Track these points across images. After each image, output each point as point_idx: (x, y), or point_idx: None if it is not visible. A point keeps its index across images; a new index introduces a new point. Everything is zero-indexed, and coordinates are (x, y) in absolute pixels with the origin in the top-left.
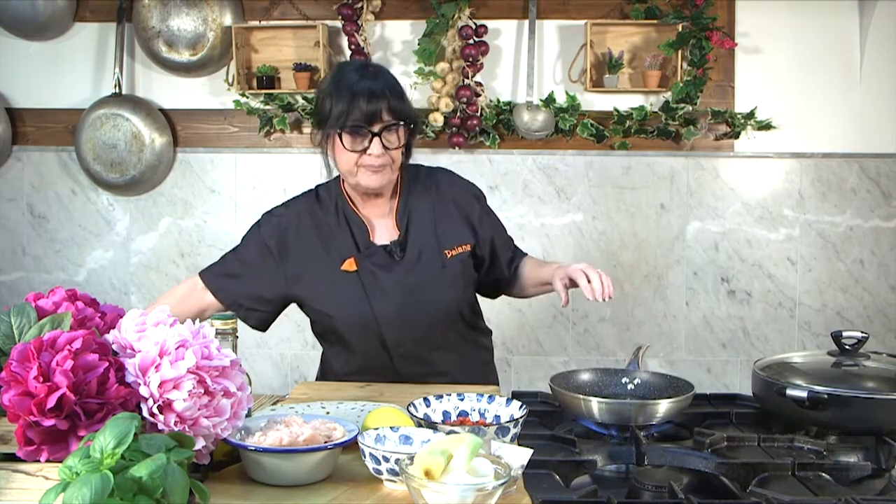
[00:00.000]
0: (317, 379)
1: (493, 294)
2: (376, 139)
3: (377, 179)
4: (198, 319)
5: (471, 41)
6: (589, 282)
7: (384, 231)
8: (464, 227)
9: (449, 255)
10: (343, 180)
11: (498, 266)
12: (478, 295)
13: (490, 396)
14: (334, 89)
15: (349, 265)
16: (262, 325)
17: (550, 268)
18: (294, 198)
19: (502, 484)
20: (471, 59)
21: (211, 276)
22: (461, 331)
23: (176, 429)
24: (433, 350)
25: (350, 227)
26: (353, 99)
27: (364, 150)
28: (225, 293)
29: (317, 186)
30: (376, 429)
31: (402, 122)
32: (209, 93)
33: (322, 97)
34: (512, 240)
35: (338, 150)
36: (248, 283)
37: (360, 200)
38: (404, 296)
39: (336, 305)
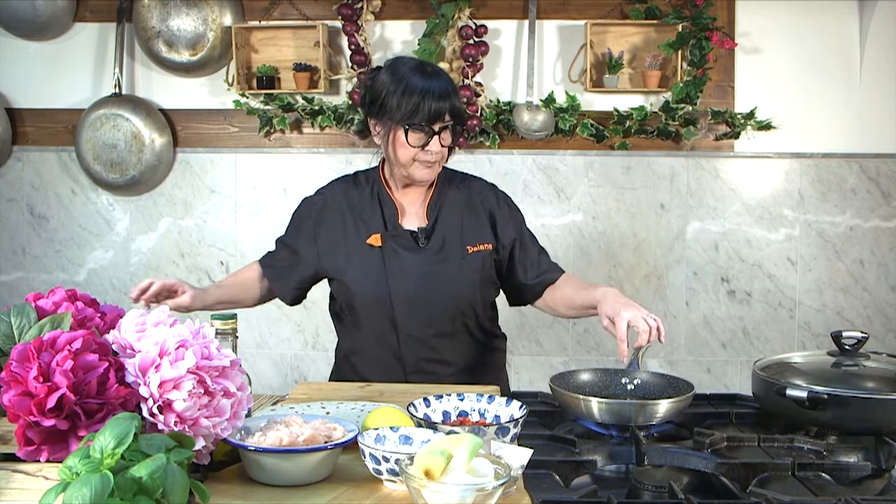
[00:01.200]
0: (332, 370)
1: (520, 302)
2: (436, 137)
3: (429, 174)
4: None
5: (471, 41)
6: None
7: (413, 218)
8: (487, 228)
9: (470, 251)
10: (382, 166)
11: (518, 273)
12: (506, 301)
13: (490, 396)
14: (398, 86)
15: (374, 240)
16: (298, 302)
17: (594, 293)
18: (332, 180)
19: (502, 484)
20: (471, 59)
21: (268, 267)
22: (471, 327)
23: (176, 429)
24: (440, 337)
25: (382, 207)
26: (422, 99)
27: (423, 146)
28: (281, 284)
29: (356, 172)
30: (376, 429)
31: (459, 125)
32: (209, 93)
33: (384, 92)
34: (545, 252)
35: (399, 144)
36: (295, 270)
37: (397, 187)
38: (421, 279)
39: (355, 277)
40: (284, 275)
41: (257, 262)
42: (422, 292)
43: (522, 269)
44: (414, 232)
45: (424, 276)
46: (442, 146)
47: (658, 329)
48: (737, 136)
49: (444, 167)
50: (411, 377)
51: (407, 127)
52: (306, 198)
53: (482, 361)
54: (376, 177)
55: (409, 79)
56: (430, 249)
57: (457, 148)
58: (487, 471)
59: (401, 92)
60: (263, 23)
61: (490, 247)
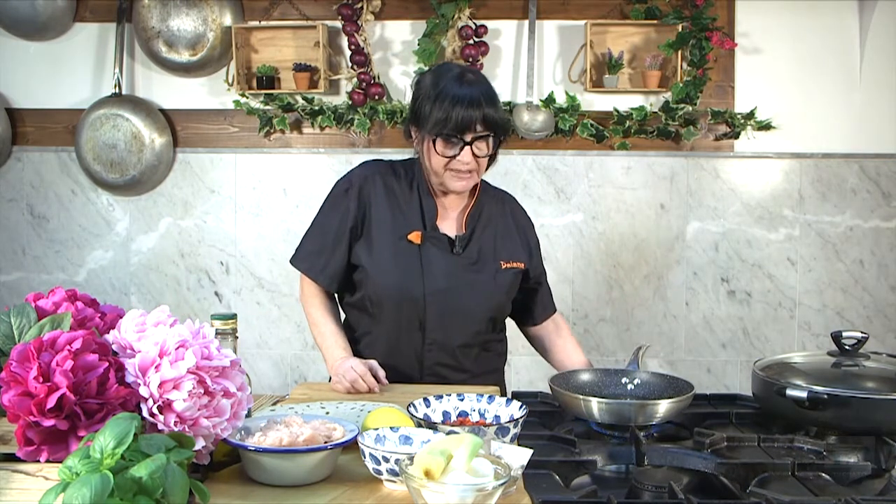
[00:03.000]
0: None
1: (514, 318)
2: (467, 148)
3: (463, 185)
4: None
5: (471, 41)
6: None
7: (451, 223)
8: (522, 249)
9: (503, 266)
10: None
11: (530, 298)
12: None
13: (490, 396)
14: (434, 93)
15: (415, 237)
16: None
17: (571, 355)
18: (366, 161)
19: (502, 484)
20: (471, 60)
21: (304, 265)
22: (488, 335)
23: (176, 429)
24: (463, 347)
25: (422, 203)
26: (452, 108)
27: (454, 157)
28: (328, 278)
29: (391, 161)
30: (376, 429)
31: (493, 135)
32: (209, 93)
33: (421, 98)
34: (548, 287)
35: (431, 153)
36: (336, 252)
37: (440, 191)
38: (456, 286)
39: (392, 272)
40: (327, 265)
41: (306, 279)
42: (456, 299)
43: (534, 297)
44: (451, 238)
45: (460, 283)
46: (476, 156)
47: None
48: (737, 136)
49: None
50: (425, 378)
51: (436, 137)
52: (340, 179)
53: (489, 367)
54: (417, 172)
55: (444, 86)
56: (466, 258)
57: (496, 158)
58: (487, 471)
59: (433, 99)
60: (263, 23)
61: (523, 266)
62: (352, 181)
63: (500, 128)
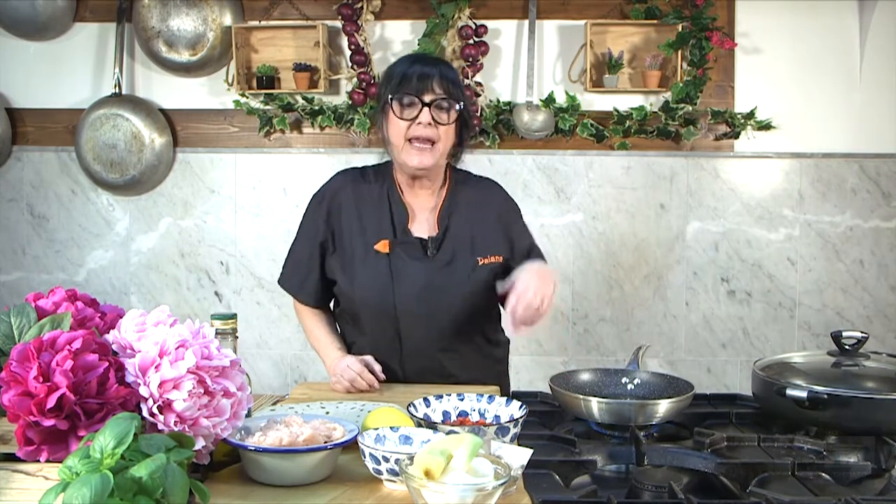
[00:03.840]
0: None
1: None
2: (426, 109)
3: (423, 158)
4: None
5: (471, 41)
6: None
7: (423, 224)
8: (501, 240)
9: (480, 263)
10: (395, 167)
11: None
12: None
13: (490, 396)
14: (392, 68)
15: (382, 246)
16: (326, 303)
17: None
18: (338, 172)
19: (502, 484)
20: (471, 59)
21: (287, 283)
22: (476, 341)
23: (176, 429)
24: (444, 351)
25: (391, 209)
26: (406, 71)
27: (414, 119)
28: (304, 294)
29: (364, 166)
30: (376, 429)
31: (452, 101)
32: (209, 93)
33: (383, 80)
34: (538, 249)
35: (390, 122)
36: (312, 271)
37: (408, 188)
38: (428, 291)
39: (360, 284)
40: (304, 281)
41: (295, 300)
42: (428, 307)
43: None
44: (424, 240)
45: (432, 288)
46: (436, 121)
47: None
48: (737, 136)
49: (455, 168)
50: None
51: (393, 98)
52: (314, 194)
53: (483, 373)
54: (387, 174)
55: (400, 63)
56: (440, 260)
57: (464, 146)
58: (487, 471)
59: (390, 74)
60: (263, 23)
61: (501, 259)
62: (322, 196)
63: (459, 96)
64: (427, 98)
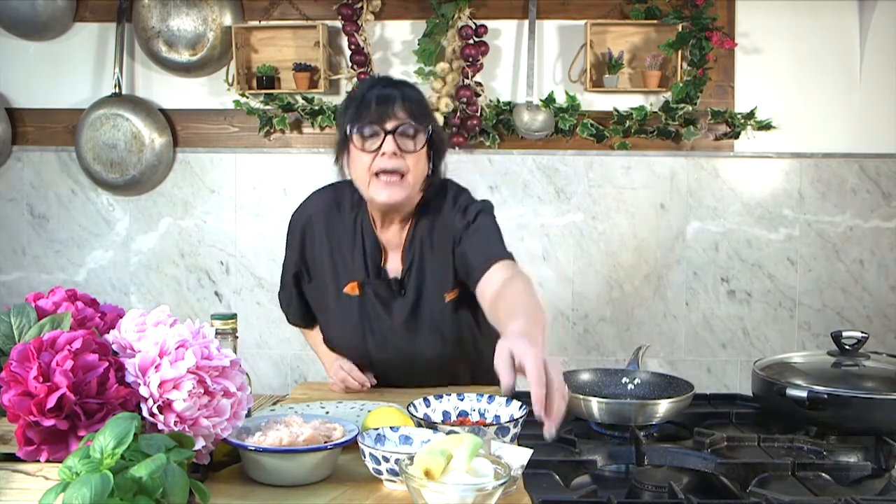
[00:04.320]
0: None
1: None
2: (389, 137)
3: (391, 193)
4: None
5: (471, 41)
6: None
7: (396, 262)
8: (461, 265)
9: (447, 299)
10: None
11: (463, 260)
12: None
13: (490, 396)
14: (352, 96)
15: (351, 289)
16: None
17: (504, 315)
18: (316, 193)
19: (502, 484)
20: (471, 59)
21: (280, 300)
22: (464, 366)
23: (176, 429)
24: (425, 387)
25: (364, 246)
26: (363, 98)
27: (377, 151)
28: (294, 317)
29: (342, 191)
30: (376, 429)
31: (419, 126)
32: (209, 93)
33: (338, 115)
34: (490, 247)
35: (353, 157)
36: (293, 298)
37: (380, 222)
38: (400, 335)
39: (333, 327)
40: (290, 304)
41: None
42: (401, 352)
43: (472, 260)
44: (391, 280)
45: (404, 332)
46: (401, 149)
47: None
48: (737, 136)
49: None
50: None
51: (353, 128)
52: (292, 215)
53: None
54: (363, 204)
55: (359, 89)
56: (408, 300)
57: (438, 174)
58: (487, 471)
59: (348, 97)
60: (263, 23)
61: (456, 294)
62: (296, 223)
63: (426, 120)
64: (389, 125)
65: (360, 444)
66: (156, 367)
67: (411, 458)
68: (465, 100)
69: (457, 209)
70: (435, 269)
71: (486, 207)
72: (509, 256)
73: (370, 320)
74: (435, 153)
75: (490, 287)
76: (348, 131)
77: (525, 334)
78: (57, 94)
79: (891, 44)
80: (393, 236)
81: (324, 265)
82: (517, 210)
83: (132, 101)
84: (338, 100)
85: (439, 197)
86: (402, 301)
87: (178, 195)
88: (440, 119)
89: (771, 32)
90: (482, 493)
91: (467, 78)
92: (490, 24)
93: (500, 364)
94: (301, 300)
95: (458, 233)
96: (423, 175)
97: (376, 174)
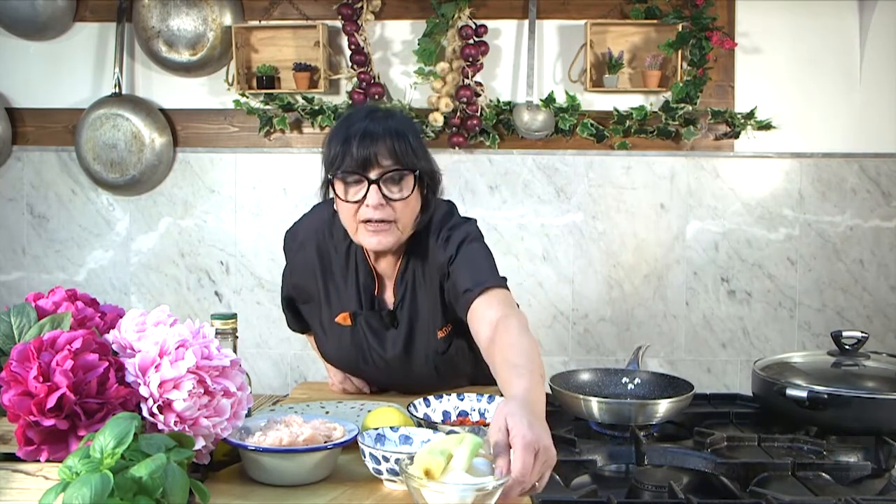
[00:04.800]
0: None
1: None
2: (374, 187)
3: (379, 241)
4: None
5: (471, 41)
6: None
7: (389, 293)
8: (440, 305)
9: (440, 336)
10: None
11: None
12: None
13: (490, 396)
14: (335, 131)
15: (343, 319)
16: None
17: (502, 368)
18: (311, 214)
19: (502, 484)
20: (471, 59)
21: (284, 309)
22: (464, 381)
23: (176, 429)
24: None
25: (358, 275)
26: (346, 140)
27: (362, 201)
28: (295, 325)
29: (335, 214)
30: (376, 429)
31: (406, 170)
32: (209, 93)
33: (326, 141)
34: (478, 275)
35: (338, 202)
36: (292, 312)
37: (373, 254)
38: (394, 367)
39: (328, 350)
40: (292, 317)
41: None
42: (396, 379)
43: (461, 282)
44: (383, 312)
45: (397, 364)
46: (388, 199)
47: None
48: (737, 135)
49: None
50: None
51: (335, 177)
52: (286, 233)
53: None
54: None
55: (345, 121)
56: (402, 331)
57: (431, 208)
58: (487, 471)
59: (334, 138)
60: (263, 23)
61: (448, 329)
62: (289, 244)
63: (413, 163)
64: (373, 174)
65: (360, 444)
66: (156, 367)
67: (411, 458)
68: (465, 100)
69: (440, 242)
70: (427, 304)
71: (471, 233)
72: (499, 283)
73: (363, 350)
74: (428, 189)
75: (482, 326)
76: (331, 179)
77: (526, 404)
78: (57, 93)
79: (891, 44)
80: (387, 266)
81: (318, 292)
82: (517, 210)
83: (132, 100)
84: (338, 100)
85: (427, 228)
86: (395, 333)
87: (178, 195)
88: (440, 119)
89: (771, 32)
90: (482, 492)
91: (467, 78)
92: (490, 23)
93: (495, 434)
94: (299, 313)
95: (443, 268)
96: (414, 216)
97: (363, 221)
